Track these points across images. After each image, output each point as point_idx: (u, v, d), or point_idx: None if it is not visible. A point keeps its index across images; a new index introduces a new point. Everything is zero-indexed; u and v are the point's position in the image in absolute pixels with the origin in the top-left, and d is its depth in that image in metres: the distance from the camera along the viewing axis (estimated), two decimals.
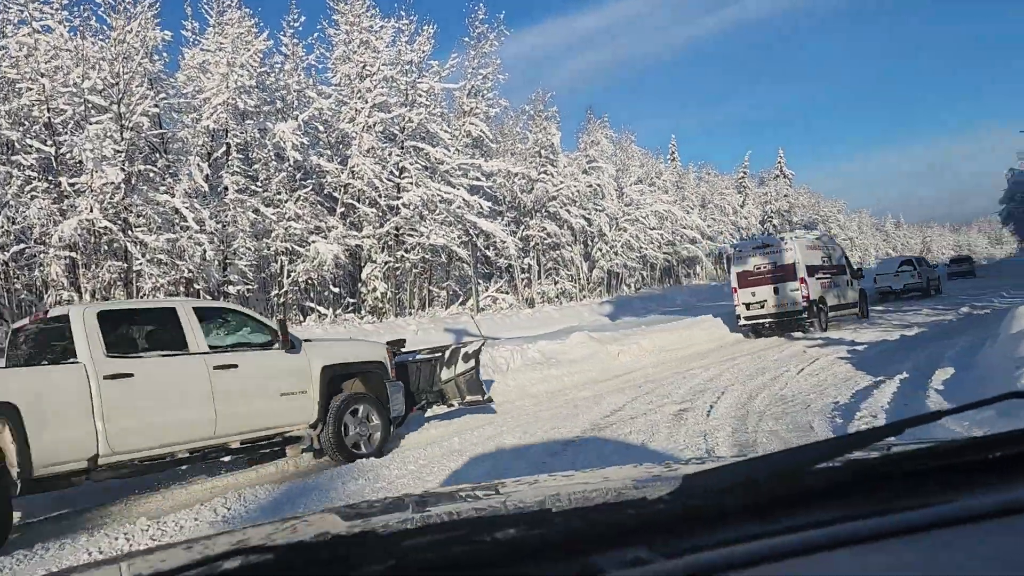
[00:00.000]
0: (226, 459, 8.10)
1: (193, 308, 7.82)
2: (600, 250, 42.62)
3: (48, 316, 7.53)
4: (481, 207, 29.72)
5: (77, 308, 7.19)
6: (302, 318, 26.42)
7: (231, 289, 23.78)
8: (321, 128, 29.19)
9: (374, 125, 28.05)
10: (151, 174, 22.88)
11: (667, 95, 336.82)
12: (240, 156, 25.53)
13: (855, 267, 21.61)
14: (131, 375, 6.91)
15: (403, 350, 10.07)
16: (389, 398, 8.83)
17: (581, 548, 0.98)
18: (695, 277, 56.23)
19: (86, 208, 20.30)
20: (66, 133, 21.41)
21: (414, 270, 30.33)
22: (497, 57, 33.88)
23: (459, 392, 10.64)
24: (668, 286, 50.16)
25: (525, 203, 37.28)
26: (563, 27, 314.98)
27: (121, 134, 21.93)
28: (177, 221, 22.46)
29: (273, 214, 24.97)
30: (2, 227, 19.90)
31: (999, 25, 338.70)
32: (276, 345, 8.09)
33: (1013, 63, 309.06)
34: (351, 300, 28.89)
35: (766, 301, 18.39)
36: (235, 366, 7.65)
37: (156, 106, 23.35)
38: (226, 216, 23.70)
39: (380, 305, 28.19)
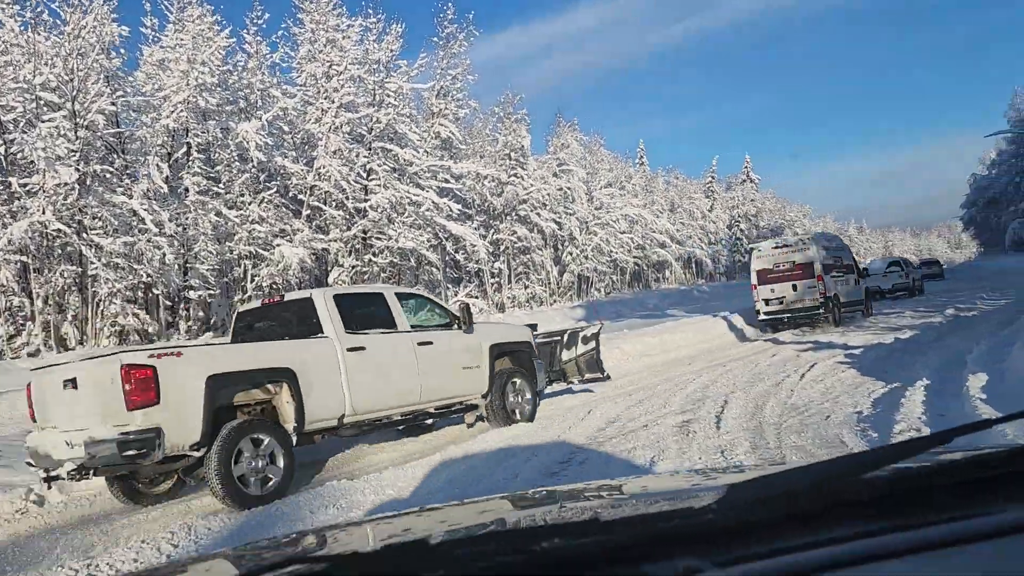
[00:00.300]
0: (429, 422, 9.42)
1: (395, 293, 9.07)
2: (571, 254, 42.18)
3: (286, 299, 8.60)
4: (451, 210, 29.01)
5: (318, 292, 8.36)
6: None
7: (192, 294, 22.82)
8: (286, 128, 28.31)
9: (341, 125, 27.24)
10: (107, 175, 21.92)
11: (634, 101, 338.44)
12: (201, 157, 24.58)
13: (861, 268, 22.72)
14: (363, 348, 7.99)
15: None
16: (536, 373, 9.99)
17: (631, 557, 0.98)
18: (664, 281, 55.98)
19: (38, 210, 19.30)
20: (16, 131, 20.33)
21: (382, 274, 29.53)
22: (467, 58, 33.31)
23: (579, 370, 12.21)
24: (638, 290, 49.84)
25: (495, 206, 36.67)
26: (529, 34, 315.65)
27: (75, 133, 20.96)
28: (135, 224, 21.51)
29: (236, 216, 24.07)
30: None
31: (958, 35, 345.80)
32: (455, 326, 9.20)
33: (974, 71, 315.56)
34: None
35: (784, 297, 19.37)
36: (431, 343, 8.79)
37: (113, 104, 22.39)
38: (187, 218, 22.78)
39: None
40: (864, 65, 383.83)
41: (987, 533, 1.00)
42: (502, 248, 36.63)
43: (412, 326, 8.78)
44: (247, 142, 24.08)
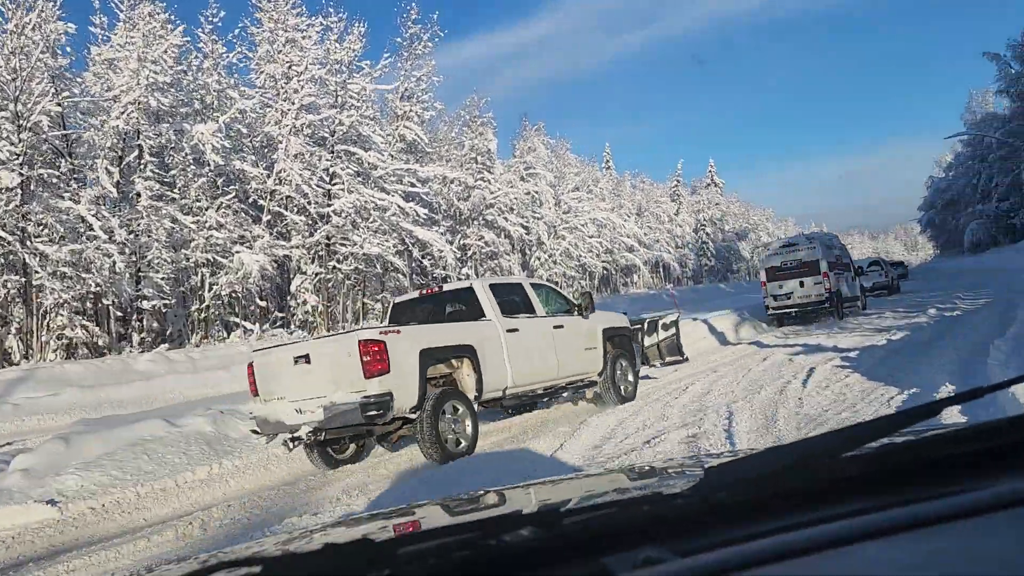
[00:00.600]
0: (565, 395, 10.27)
1: (531, 283, 10.20)
2: (539, 259, 41.55)
3: (445, 289, 9.68)
4: (417, 214, 28.11)
5: (476, 281, 9.45)
6: (226, 334, 24.41)
7: (145, 304, 21.67)
8: (245, 131, 27.25)
9: (302, 128, 26.25)
10: (53, 179, 20.74)
11: (598, 106, 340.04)
12: (155, 160, 23.44)
13: (856, 266, 24.16)
14: (517, 330, 9.03)
15: None
16: (635, 356, 11.06)
17: (592, 549, 0.96)
18: (632, 286, 55.52)
19: None
20: None
21: (347, 281, 28.56)
22: (431, 59, 32.35)
23: (660, 354, 13.97)
24: (607, 295, 49.25)
25: (462, 211, 35.86)
26: (491, 42, 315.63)
27: (18, 135, 19.81)
28: (83, 230, 20.35)
29: (192, 222, 23.00)
30: None
31: (914, 42, 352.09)
32: (575, 312, 10.14)
33: (929, 78, 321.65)
34: (280, 314, 26.99)
35: (792, 293, 20.72)
36: (562, 326, 9.78)
37: (59, 105, 21.21)
38: (139, 225, 21.66)
39: (311, 319, 26.38)
40: (823, 71, 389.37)
41: (980, 508, 0.95)
42: (470, 253, 35.80)
43: (545, 312, 9.84)
44: (203, 145, 23.03)
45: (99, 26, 25.29)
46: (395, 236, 28.30)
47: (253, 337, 23.47)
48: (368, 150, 28.17)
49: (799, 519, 0.97)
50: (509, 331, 8.88)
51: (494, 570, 0.95)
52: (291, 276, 26.76)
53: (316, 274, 26.49)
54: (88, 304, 20.95)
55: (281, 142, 25.76)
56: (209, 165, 23.67)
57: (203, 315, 24.17)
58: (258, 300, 25.48)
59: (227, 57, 28.52)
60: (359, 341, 7.31)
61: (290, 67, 27.01)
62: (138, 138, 22.92)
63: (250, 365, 8.19)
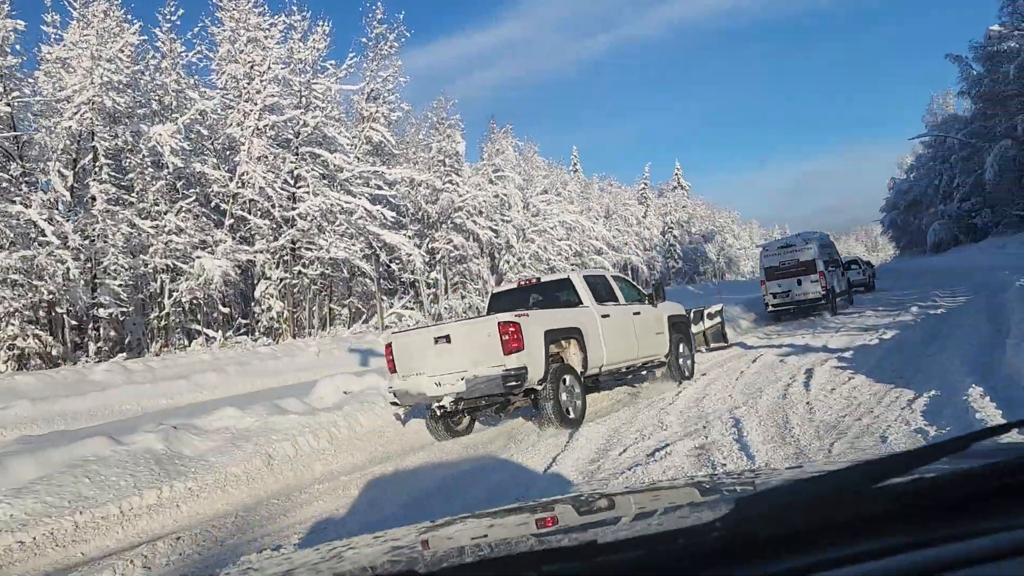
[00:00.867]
0: (643, 372, 11.52)
1: (611, 276, 11.32)
2: (508, 262, 40.93)
3: (543, 281, 10.87)
4: (384, 218, 27.40)
5: (573, 273, 10.57)
6: (187, 342, 23.49)
7: (102, 312, 20.71)
8: (205, 133, 26.35)
9: (265, 129, 25.44)
10: (3, 183, 19.73)
11: (565, 110, 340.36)
12: (111, 163, 22.51)
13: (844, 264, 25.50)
14: (609, 315, 10.19)
15: None
16: (691, 341, 12.48)
17: None
18: None
19: None
20: None
21: (313, 287, 27.77)
22: (398, 59, 31.65)
23: (705, 341, 16.12)
24: None
25: (430, 214, 35.15)
26: (457, 46, 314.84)
27: None
28: (35, 236, 19.36)
29: (151, 227, 22.10)
30: None
31: (875, 45, 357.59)
32: (646, 301, 11.34)
33: (890, 81, 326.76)
34: (244, 321, 26.13)
35: (790, 291, 21.99)
36: (639, 313, 10.98)
37: (8, 105, 20.21)
38: (94, 230, 20.72)
39: (276, 325, 25.56)
40: (786, 74, 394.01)
41: (1012, 550, 0.93)
42: (438, 257, 35.11)
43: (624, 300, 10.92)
44: (161, 147, 22.13)
45: (51, 24, 24.26)
46: (362, 240, 27.58)
47: (216, 345, 22.58)
48: (334, 152, 27.43)
49: (831, 555, 0.95)
50: (603, 316, 10.03)
51: None
52: (255, 282, 25.92)
53: (281, 279, 25.68)
54: (41, 312, 19.95)
55: (244, 144, 24.91)
56: (168, 168, 22.78)
57: (163, 323, 23.25)
58: (221, 307, 24.59)
59: (186, 56, 27.60)
60: (499, 323, 8.39)
61: (252, 67, 26.17)
62: (93, 140, 21.98)
63: (388, 346, 9.31)
